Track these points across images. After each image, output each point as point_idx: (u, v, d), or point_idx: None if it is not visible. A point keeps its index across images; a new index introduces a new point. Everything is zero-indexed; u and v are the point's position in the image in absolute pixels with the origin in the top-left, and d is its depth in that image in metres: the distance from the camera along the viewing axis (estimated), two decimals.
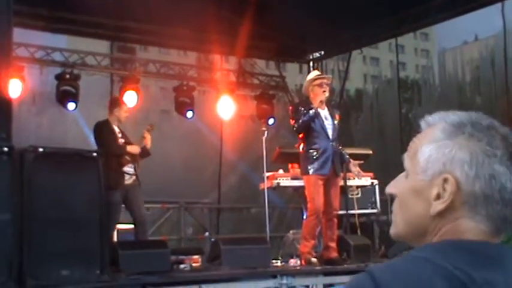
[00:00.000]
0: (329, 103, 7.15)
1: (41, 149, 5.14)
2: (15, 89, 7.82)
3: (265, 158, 7.21)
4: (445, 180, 1.03)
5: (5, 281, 4.63)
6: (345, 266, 6.52)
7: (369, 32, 9.75)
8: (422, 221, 1.06)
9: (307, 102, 6.72)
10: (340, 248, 6.83)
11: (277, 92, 11.29)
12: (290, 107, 7.24)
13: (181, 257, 6.64)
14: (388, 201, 7.72)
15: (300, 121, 6.54)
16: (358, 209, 8.08)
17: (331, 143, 6.59)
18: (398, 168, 1.15)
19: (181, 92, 10.24)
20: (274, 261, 6.95)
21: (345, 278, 5.88)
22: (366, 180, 8.13)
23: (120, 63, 10.97)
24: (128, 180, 6.78)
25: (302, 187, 6.91)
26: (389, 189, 1.14)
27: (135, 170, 6.88)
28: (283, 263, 7.04)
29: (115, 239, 6.93)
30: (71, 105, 9.28)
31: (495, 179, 1.02)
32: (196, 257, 6.88)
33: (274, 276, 5.91)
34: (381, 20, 9.21)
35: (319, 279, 6.23)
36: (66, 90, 9.20)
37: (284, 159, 7.83)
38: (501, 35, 11.50)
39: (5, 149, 4.82)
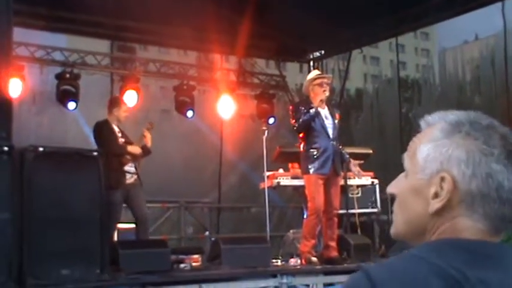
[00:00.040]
0: (329, 102, 7.16)
1: (41, 149, 5.14)
2: (15, 88, 7.82)
3: (266, 158, 7.21)
4: (443, 179, 1.04)
5: (5, 280, 4.64)
6: (345, 265, 6.52)
7: (369, 31, 9.74)
8: (421, 220, 1.07)
9: (307, 102, 6.72)
10: (341, 248, 6.83)
11: (277, 91, 11.28)
12: (290, 107, 7.23)
13: (181, 256, 6.64)
14: (388, 201, 7.73)
15: (301, 120, 6.55)
16: (359, 208, 8.09)
17: (331, 142, 6.59)
18: (398, 167, 1.15)
19: (181, 91, 10.23)
20: (274, 260, 6.95)
21: (345, 278, 5.86)
22: (366, 180, 8.13)
23: (120, 62, 10.97)
24: (130, 179, 6.78)
25: (302, 186, 6.91)
26: (390, 189, 1.14)
27: (136, 169, 6.89)
28: (283, 263, 7.05)
29: (115, 238, 6.93)
30: (71, 105, 9.28)
31: (492, 178, 1.02)
32: (196, 256, 6.88)
33: (275, 276, 5.92)
34: (381, 19, 9.20)
35: (319, 278, 6.24)
36: (66, 89, 9.20)
37: (284, 158, 7.83)
38: (501, 34, 11.48)
39: (5, 148, 4.82)
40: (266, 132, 7.30)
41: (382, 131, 24.62)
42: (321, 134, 6.59)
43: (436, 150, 1.06)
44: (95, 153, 5.55)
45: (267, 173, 7.41)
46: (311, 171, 6.49)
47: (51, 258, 4.96)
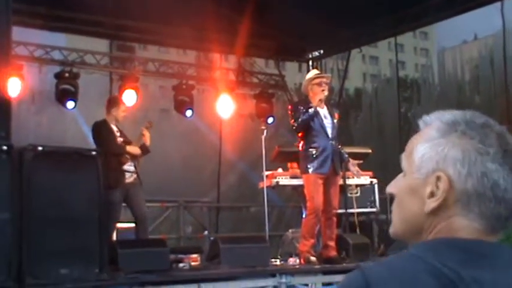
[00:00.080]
0: (328, 102, 7.16)
1: (40, 148, 5.14)
2: (14, 87, 7.81)
3: (265, 157, 7.22)
4: (438, 178, 1.04)
5: (4, 279, 4.64)
6: (344, 264, 6.52)
7: (368, 31, 9.75)
8: (418, 219, 1.07)
9: (306, 101, 6.72)
10: (339, 247, 6.83)
11: (276, 90, 11.29)
12: (289, 106, 7.23)
13: (180, 255, 6.64)
14: (387, 200, 7.73)
15: (300, 120, 6.55)
16: (357, 207, 8.09)
17: (330, 142, 6.59)
18: (397, 167, 1.16)
19: (180, 90, 10.23)
20: (273, 260, 6.96)
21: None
22: (365, 179, 8.14)
23: (120, 61, 10.96)
24: (129, 178, 6.78)
25: (301, 186, 6.91)
26: (389, 188, 1.15)
27: (135, 168, 6.89)
28: (282, 262, 7.05)
29: (114, 237, 6.93)
30: (70, 104, 9.27)
31: (487, 177, 1.02)
32: (195, 255, 6.88)
33: (273, 275, 5.92)
34: (380, 18, 9.21)
35: (318, 278, 6.24)
36: (65, 88, 9.19)
37: (283, 158, 7.83)
38: (500, 34, 11.49)
39: (4, 147, 4.82)
40: (265, 131, 7.30)
41: (381, 131, 24.62)
42: (320, 133, 6.59)
43: (432, 149, 1.06)
44: (94, 153, 5.54)
45: (266, 173, 7.41)
46: (310, 170, 6.50)
47: (50, 257, 4.96)
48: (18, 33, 7.76)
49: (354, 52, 10.32)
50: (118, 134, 6.92)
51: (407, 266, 1.00)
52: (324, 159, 6.51)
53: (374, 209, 8.48)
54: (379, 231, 8.48)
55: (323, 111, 6.67)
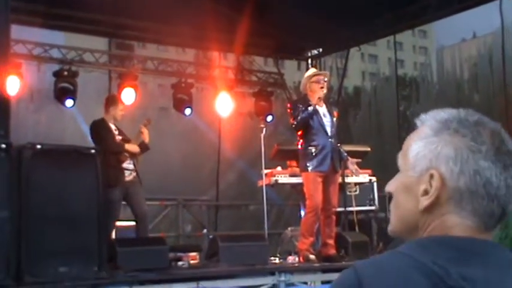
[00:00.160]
0: (327, 100, 7.16)
1: (38, 146, 5.14)
2: (13, 86, 7.80)
3: (264, 155, 7.22)
4: (431, 176, 1.05)
5: (3, 278, 4.64)
6: (343, 263, 6.52)
7: (367, 29, 9.74)
8: (413, 217, 1.08)
9: (305, 100, 6.72)
10: (338, 245, 6.84)
11: (275, 89, 11.28)
12: (288, 104, 7.23)
13: (179, 254, 6.64)
14: (386, 198, 7.74)
15: (299, 118, 6.55)
16: (356, 206, 8.10)
17: (329, 140, 6.59)
18: (396, 165, 1.16)
19: (179, 89, 10.22)
20: (272, 258, 6.97)
21: None
22: (364, 178, 8.14)
23: (118, 60, 10.95)
24: (128, 176, 6.78)
25: (300, 184, 6.92)
26: (388, 187, 1.16)
27: (134, 166, 6.89)
28: (281, 260, 7.06)
29: (114, 236, 6.93)
30: (69, 102, 9.26)
31: (479, 175, 1.03)
32: (194, 254, 6.88)
33: (273, 273, 5.93)
34: (379, 17, 9.21)
35: (317, 276, 6.25)
36: (64, 87, 9.18)
37: (282, 156, 7.83)
38: (499, 32, 11.48)
39: (3, 146, 4.82)
40: (264, 129, 7.30)
41: (380, 129, 24.64)
42: (319, 131, 6.59)
43: (425, 148, 1.07)
44: (93, 151, 5.54)
45: (265, 171, 7.41)
46: (309, 168, 6.50)
47: (49, 255, 4.96)
48: (16, 31, 7.75)
49: (353, 50, 10.32)
50: (116, 132, 6.92)
51: (398, 264, 1.01)
52: (323, 157, 6.52)
53: (373, 207, 8.48)
54: (378, 229, 8.49)
55: (322, 110, 6.68)
